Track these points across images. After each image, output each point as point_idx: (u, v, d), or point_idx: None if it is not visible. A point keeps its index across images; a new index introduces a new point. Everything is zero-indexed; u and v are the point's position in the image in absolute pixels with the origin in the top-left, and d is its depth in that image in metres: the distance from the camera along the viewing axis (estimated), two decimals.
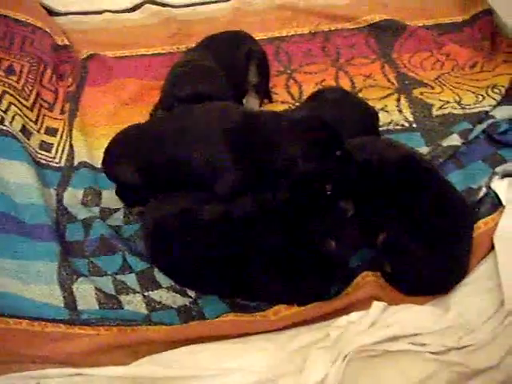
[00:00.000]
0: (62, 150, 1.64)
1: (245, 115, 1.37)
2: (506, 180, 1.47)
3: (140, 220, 1.46)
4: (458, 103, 1.73)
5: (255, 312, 1.29)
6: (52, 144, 1.65)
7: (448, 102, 1.74)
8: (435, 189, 1.39)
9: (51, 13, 2.04)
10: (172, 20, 2.01)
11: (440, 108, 1.73)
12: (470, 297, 1.28)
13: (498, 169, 1.51)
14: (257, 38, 1.91)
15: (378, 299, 1.28)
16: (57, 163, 1.61)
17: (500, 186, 1.47)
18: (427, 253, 1.31)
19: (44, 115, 1.71)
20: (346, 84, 1.80)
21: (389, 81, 1.81)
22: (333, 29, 1.99)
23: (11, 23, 1.83)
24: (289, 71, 1.86)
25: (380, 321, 1.22)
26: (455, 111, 1.71)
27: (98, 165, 1.59)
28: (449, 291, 1.32)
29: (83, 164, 1.59)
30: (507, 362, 1.18)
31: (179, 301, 1.33)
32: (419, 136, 1.66)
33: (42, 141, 1.65)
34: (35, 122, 1.67)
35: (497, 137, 1.60)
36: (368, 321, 1.22)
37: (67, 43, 1.91)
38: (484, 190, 1.47)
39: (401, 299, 1.31)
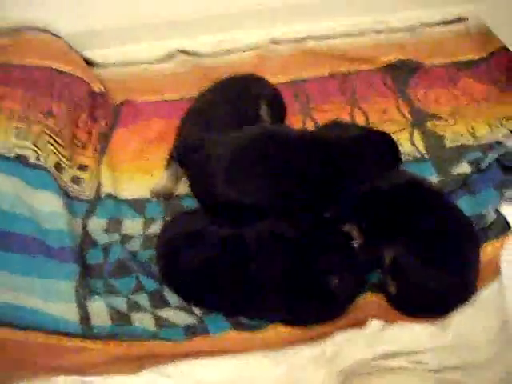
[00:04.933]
0: (91, 184, 1.77)
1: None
2: None
3: None
4: (472, 135, 1.75)
5: (256, 330, 1.33)
6: (82, 179, 1.78)
7: (461, 134, 1.76)
8: (442, 212, 1.42)
9: (91, 64, 2.23)
10: (199, 67, 2.15)
11: (453, 140, 1.75)
12: (474, 318, 1.28)
13: (508, 193, 1.51)
14: (277, 81, 2.03)
15: (378, 319, 1.29)
16: (85, 196, 1.73)
17: (509, 210, 1.46)
18: (433, 272, 1.32)
19: (77, 153, 1.85)
20: (360, 119, 1.86)
21: (403, 116, 1.86)
22: (351, 70, 2.06)
23: (54, 73, 2.00)
24: (306, 110, 1.94)
25: (377, 338, 1.23)
26: (468, 142, 1.73)
27: (122, 196, 1.72)
28: (453, 312, 1.31)
29: (108, 195, 1.71)
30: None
31: (186, 319, 1.39)
32: (430, 166, 1.68)
33: (74, 176, 1.78)
34: (69, 159, 1.81)
35: (509, 164, 1.60)
36: (364, 338, 1.23)
37: (103, 90, 2.07)
38: (493, 214, 1.47)
39: (401, 321, 1.31)
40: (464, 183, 1.58)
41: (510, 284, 1.31)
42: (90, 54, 2.26)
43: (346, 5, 2.27)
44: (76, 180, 1.77)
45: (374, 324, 1.26)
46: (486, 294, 1.33)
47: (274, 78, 2.03)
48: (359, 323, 1.30)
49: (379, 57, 2.07)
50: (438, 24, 2.19)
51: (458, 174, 1.59)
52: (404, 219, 1.38)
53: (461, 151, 1.70)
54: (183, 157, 1.65)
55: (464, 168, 1.60)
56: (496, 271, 1.36)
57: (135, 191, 1.74)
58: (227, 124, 1.68)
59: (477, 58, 2.03)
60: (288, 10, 2.27)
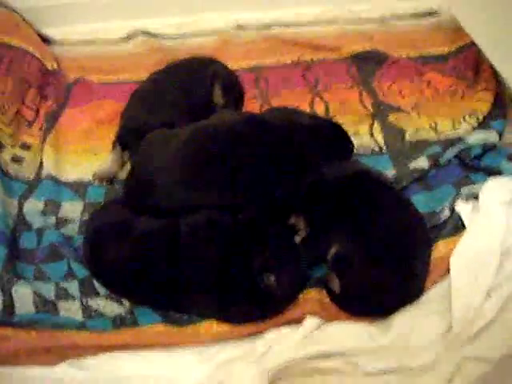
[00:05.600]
0: (33, 165, 1.68)
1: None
2: (471, 202, 1.40)
3: None
4: (434, 129, 1.69)
5: (187, 324, 1.25)
6: (24, 158, 1.69)
7: (423, 129, 1.69)
8: (392, 206, 1.34)
9: (48, 41, 2.13)
10: (159, 49, 2.07)
11: (414, 133, 1.68)
12: (416, 318, 1.20)
13: (464, 190, 1.44)
14: (238, 67, 1.96)
15: (316, 317, 1.21)
16: (25, 176, 1.64)
17: (464, 208, 1.40)
18: (379, 270, 1.24)
19: (22, 132, 1.76)
20: (320, 109, 1.79)
21: (365, 107, 1.79)
22: (315, 59, 1.99)
23: (3, 47, 1.91)
24: (264, 96, 1.86)
25: (312, 337, 1.15)
26: (429, 137, 1.66)
27: (63, 178, 1.63)
28: (397, 312, 1.24)
29: (48, 177, 1.62)
30: None
31: (115, 309, 1.30)
32: (388, 159, 1.61)
33: (15, 155, 1.69)
34: (11, 137, 1.72)
35: (469, 161, 1.54)
36: (298, 336, 1.15)
37: (56, 68, 1.98)
38: (448, 211, 1.41)
39: (342, 319, 1.23)
40: (420, 178, 1.51)
41: (457, 285, 1.23)
42: (48, 31, 2.18)
43: None
44: (17, 159, 1.68)
45: (311, 322, 1.18)
46: (431, 295, 1.26)
47: (235, 64, 1.96)
48: (297, 320, 1.22)
49: (345, 46, 2.00)
50: (409, 16, 2.13)
51: (415, 169, 1.52)
52: (350, 212, 1.30)
53: (420, 146, 1.63)
54: (125, 141, 1.57)
55: (421, 162, 1.53)
56: (446, 270, 1.29)
57: (78, 173, 1.65)
58: (174, 107, 1.60)
59: (446, 52, 1.96)
60: None
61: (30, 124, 1.80)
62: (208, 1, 2.21)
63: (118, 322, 1.27)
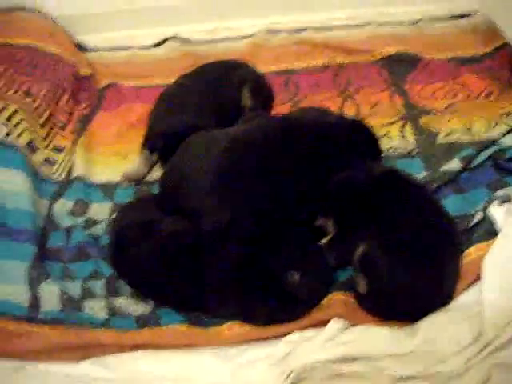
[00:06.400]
0: (64, 166, 1.70)
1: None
2: (505, 206, 1.35)
3: None
4: (467, 131, 1.64)
5: (210, 326, 1.23)
6: (56, 159, 1.72)
7: (456, 131, 1.64)
8: (422, 207, 1.30)
9: (83, 48, 2.18)
10: (190, 54, 2.08)
11: (447, 135, 1.64)
12: (446, 324, 1.15)
13: (498, 193, 1.39)
14: (268, 71, 1.96)
15: (342, 319, 1.18)
16: (56, 177, 1.66)
17: (498, 211, 1.34)
18: (407, 271, 1.20)
19: (55, 134, 1.79)
20: (351, 111, 1.76)
21: (396, 109, 1.75)
22: (346, 62, 1.97)
23: (39, 53, 1.96)
24: (294, 100, 1.84)
25: (336, 339, 1.12)
26: (463, 138, 1.61)
27: (92, 179, 1.65)
28: (426, 317, 1.19)
29: (78, 178, 1.64)
30: None
31: (139, 309, 1.30)
32: (419, 162, 1.57)
33: (48, 156, 1.71)
34: (44, 139, 1.75)
35: (504, 164, 1.48)
36: (322, 337, 1.12)
37: (89, 74, 2.02)
38: (480, 214, 1.36)
39: (368, 323, 1.20)
40: (452, 181, 1.46)
41: (489, 291, 1.18)
42: (82, 38, 2.23)
43: None
44: (49, 161, 1.71)
45: (336, 324, 1.15)
46: (461, 301, 1.21)
47: (265, 67, 1.96)
48: (323, 323, 1.19)
49: (377, 49, 1.97)
50: (443, 18, 2.08)
51: (446, 171, 1.47)
52: (379, 212, 1.27)
53: (453, 148, 1.58)
54: (152, 144, 1.58)
55: (454, 164, 1.48)
56: (477, 276, 1.24)
57: (107, 175, 1.67)
58: (200, 109, 1.61)
59: (480, 53, 1.91)
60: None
61: (64, 127, 1.84)
62: (238, 6, 2.22)
63: (142, 322, 1.27)
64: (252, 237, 1.22)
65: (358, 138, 1.41)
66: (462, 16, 2.08)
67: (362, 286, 1.24)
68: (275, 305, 1.18)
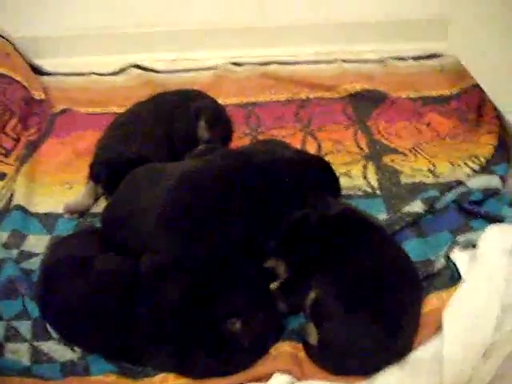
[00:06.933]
0: (4, 194, 1.59)
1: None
2: (469, 252, 1.27)
3: None
4: (432, 172, 1.57)
5: (141, 377, 1.11)
6: None
7: (420, 170, 1.58)
8: (380, 251, 1.21)
9: (40, 72, 2.08)
10: (152, 83, 2.01)
11: (410, 176, 1.57)
12: (402, 380, 1.05)
13: (461, 238, 1.31)
14: (230, 103, 1.89)
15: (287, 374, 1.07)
16: None
17: (461, 257, 1.26)
18: (362, 321, 1.10)
19: None
20: (312, 147, 1.69)
21: (359, 147, 1.69)
22: (311, 97, 1.91)
23: None
24: (254, 133, 1.77)
25: None
26: (427, 180, 1.55)
27: (32, 210, 1.54)
28: (380, 372, 1.09)
29: (17, 207, 1.52)
30: None
31: (67, 355, 1.17)
32: (381, 202, 1.49)
33: None
34: None
35: (468, 206, 1.41)
36: None
37: (43, 98, 1.92)
38: (442, 260, 1.27)
39: (318, 378, 1.09)
40: (414, 223, 1.38)
41: (450, 344, 1.09)
42: (41, 62, 2.15)
43: (315, 32, 2.15)
44: None
45: (280, 379, 1.04)
46: (420, 354, 1.11)
47: (227, 99, 1.91)
48: (267, 378, 1.08)
49: (343, 85, 1.92)
50: (412, 58, 2.05)
51: (408, 213, 1.39)
52: (334, 256, 1.17)
53: (417, 189, 1.51)
54: (97, 173, 1.48)
55: (416, 207, 1.40)
56: (438, 326, 1.15)
57: (50, 205, 1.56)
58: (152, 139, 1.52)
59: (447, 93, 1.87)
60: (252, 33, 2.15)
61: (8, 153, 1.74)
62: (202, 38, 2.17)
63: (68, 369, 1.14)
64: (193, 280, 1.11)
65: (316, 175, 1.32)
66: (430, 56, 2.04)
67: (313, 336, 1.14)
68: (214, 355, 1.06)
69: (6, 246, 1.43)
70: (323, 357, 1.13)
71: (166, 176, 1.28)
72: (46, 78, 2.08)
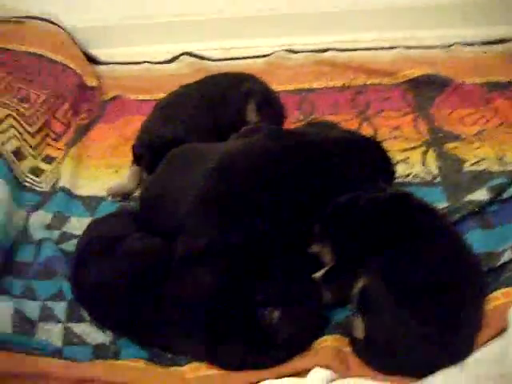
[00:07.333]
0: (52, 177, 1.59)
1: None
2: None
3: None
4: (500, 160, 1.43)
5: (171, 365, 1.05)
6: (44, 170, 1.61)
7: (485, 159, 1.44)
8: (437, 236, 1.09)
9: (95, 62, 2.09)
10: (204, 70, 1.95)
11: (474, 164, 1.43)
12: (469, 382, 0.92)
13: None
14: (283, 90, 1.81)
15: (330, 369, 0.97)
16: (41, 188, 1.55)
17: None
18: (415, 316, 0.99)
19: (48, 144, 1.69)
20: (367, 134, 1.57)
21: (419, 133, 1.56)
22: (368, 83, 1.80)
23: (44, 61, 1.89)
24: (308, 120, 1.68)
25: None
26: (493, 168, 1.41)
27: (77, 192, 1.53)
28: (435, 373, 0.97)
29: (62, 189, 1.51)
30: None
31: (99, 338, 1.13)
32: (441, 190, 1.37)
33: (36, 166, 1.61)
34: (34, 148, 1.64)
35: None
36: None
37: (95, 85, 1.92)
38: (508, 253, 1.13)
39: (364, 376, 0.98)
40: (479, 213, 1.25)
41: None
42: (96, 52, 2.15)
43: (375, 17, 2.04)
44: (36, 171, 1.61)
45: (320, 374, 0.94)
46: (482, 355, 0.98)
47: (281, 86, 1.82)
48: (308, 373, 0.98)
49: (403, 70, 1.79)
50: (477, 44, 1.90)
51: (471, 201, 1.26)
52: (386, 242, 1.06)
53: (482, 177, 1.37)
54: (139, 154, 1.43)
55: (480, 195, 1.27)
56: (503, 326, 1.01)
57: (94, 188, 1.54)
58: (195, 121, 1.46)
59: None
60: (308, 19, 2.06)
61: (58, 138, 1.74)
62: (258, 26, 2.10)
63: (99, 352, 1.10)
64: (229, 266, 1.03)
65: (367, 156, 1.22)
66: (498, 41, 1.88)
67: (360, 330, 1.03)
68: (249, 346, 0.97)
69: (49, 227, 1.42)
70: (369, 352, 1.02)
71: (207, 157, 1.22)
72: (100, 68, 2.08)
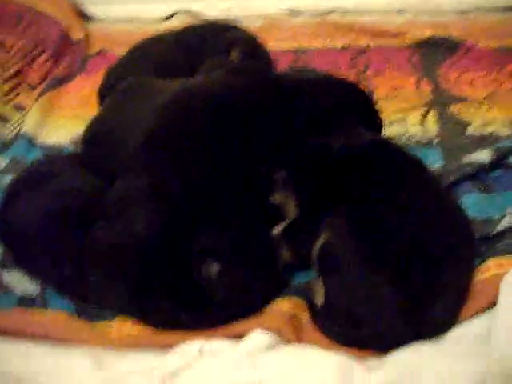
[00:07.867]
0: (17, 125, 1.48)
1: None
2: None
3: None
4: (509, 124, 1.25)
5: (97, 320, 0.92)
6: (11, 118, 1.51)
7: (493, 122, 1.26)
8: (419, 189, 0.93)
9: (89, 18, 1.98)
10: None
11: (480, 127, 1.26)
12: (432, 361, 0.76)
13: None
14: (279, 48, 1.66)
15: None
16: (6, 135, 1.44)
17: None
18: (385, 279, 0.83)
19: (20, 92, 1.59)
20: None
21: (421, 94, 1.40)
22: (372, 45, 1.64)
23: (29, 11, 1.79)
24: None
25: (248, 358, 0.75)
26: (502, 131, 1.24)
27: (40, 140, 1.42)
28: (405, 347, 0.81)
29: (24, 135, 1.41)
30: None
31: (28, 288, 0.99)
32: (438, 152, 1.20)
33: (3, 112, 1.51)
34: (4, 95, 1.55)
35: None
36: (235, 354, 0.76)
37: (81, 39, 1.80)
38: (507, 220, 0.96)
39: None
40: (478, 176, 1.08)
41: (505, 319, 0.78)
42: (92, 8, 2.03)
43: None
44: (5, 118, 1.51)
45: (260, 336, 0.78)
46: (463, 332, 0.82)
47: (276, 45, 1.67)
48: None
49: (411, 32, 1.62)
50: (494, 10, 1.71)
51: (470, 162, 1.09)
52: (355, 193, 0.90)
53: (486, 140, 1.20)
54: (102, 99, 1.31)
55: (483, 156, 1.10)
56: (493, 299, 0.85)
57: (58, 137, 1.43)
58: (169, 66, 1.32)
59: None
60: None
61: (33, 87, 1.63)
62: None
63: (24, 302, 0.97)
64: (169, 210, 0.88)
65: (348, 101, 1.06)
66: None
67: (320, 294, 0.88)
68: (182, 303, 0.82)
69: (2, 171, 1.30)
70: (327, 320, 0.86)
71: (161, 92, 1.08)
72: (95, 24, 1.97)
